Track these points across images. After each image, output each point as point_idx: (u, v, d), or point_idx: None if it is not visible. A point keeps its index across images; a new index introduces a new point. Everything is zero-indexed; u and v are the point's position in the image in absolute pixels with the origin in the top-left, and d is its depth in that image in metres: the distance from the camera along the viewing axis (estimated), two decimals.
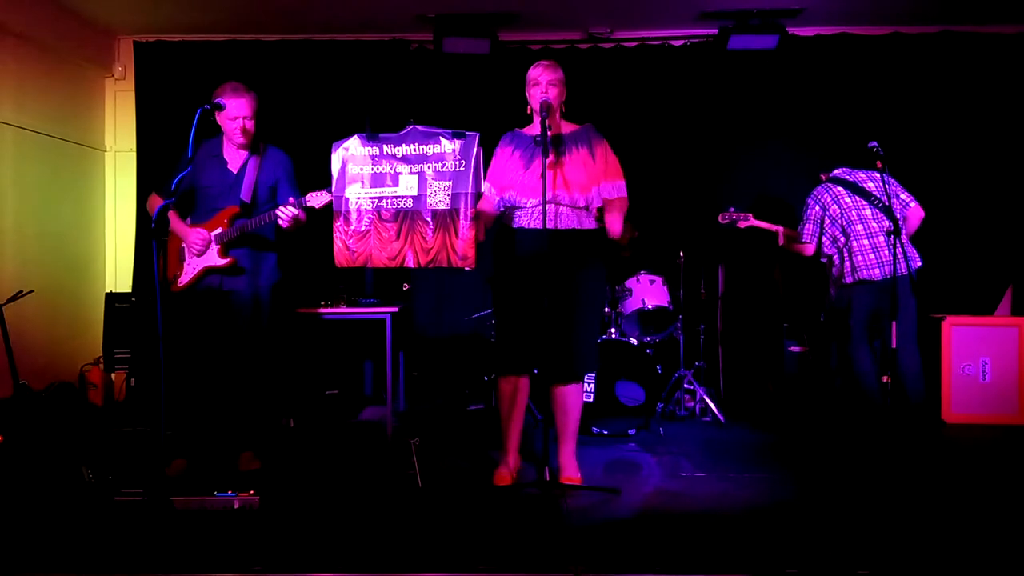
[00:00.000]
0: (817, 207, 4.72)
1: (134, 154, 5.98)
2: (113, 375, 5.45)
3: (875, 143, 4.30)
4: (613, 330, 4.88)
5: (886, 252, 4.48)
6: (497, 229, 3.65)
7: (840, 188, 4.68)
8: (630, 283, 5.01)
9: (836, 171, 4.80)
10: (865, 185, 4.66)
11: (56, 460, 3.87)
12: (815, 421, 4.95)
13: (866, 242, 4.56)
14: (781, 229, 4.87)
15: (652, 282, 5.03)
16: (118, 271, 6.09)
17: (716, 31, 5.61)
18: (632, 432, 4.66)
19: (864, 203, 4.61)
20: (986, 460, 4.17)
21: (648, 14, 5.61)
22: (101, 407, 5.38)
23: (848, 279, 4.57)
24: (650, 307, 4.92)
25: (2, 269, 4.99)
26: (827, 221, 4.68)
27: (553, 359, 3.46)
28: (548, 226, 3.35)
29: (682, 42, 5.89)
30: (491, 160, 3.64)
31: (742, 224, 4.86)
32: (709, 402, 5.13)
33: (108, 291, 5.61)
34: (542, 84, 3.47)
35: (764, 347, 5.66)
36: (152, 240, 3.12)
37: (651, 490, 3.60)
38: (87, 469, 3.44)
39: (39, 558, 2.70)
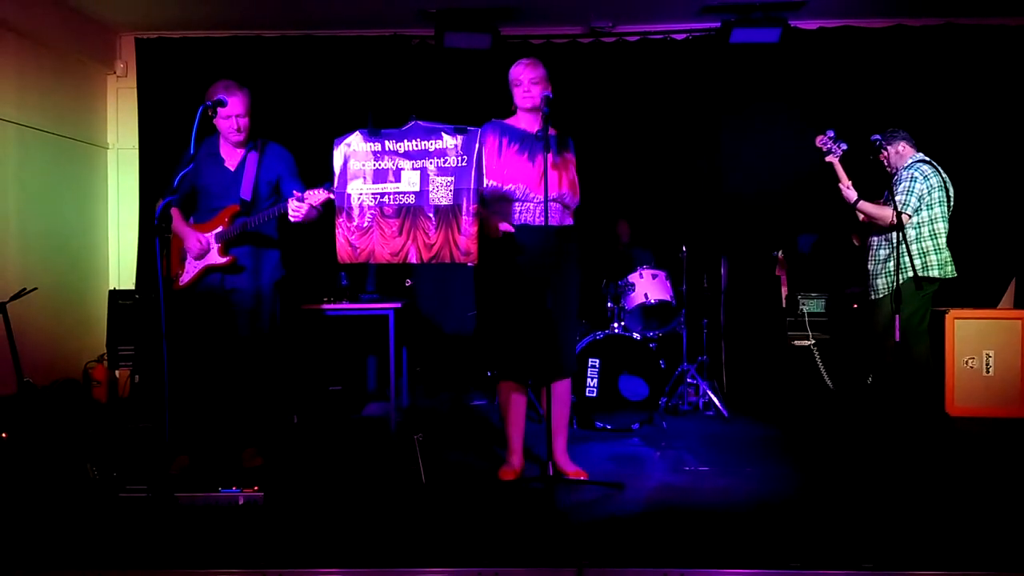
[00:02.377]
0: (926, 185, 4.23)
1: (136, 151, 5.99)
2: (117, 372, 5.46)
3: (878, 136, 4.29)
4: (616, 325, 4.87)
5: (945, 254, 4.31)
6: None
7: (943, 176, 4.35)
8: (632, 278, 5.01)
9: (919, 153, 4.39)
10: (949, 188, 4.37)
11: (60, 457, 3.88)
12: (819, 415, 4.94)
13: (944, 241, 4.30)
14: (848, 184, 4.29)
15: (655, 276, 5.03)
16: (121, 268, 6.10)
17: (718, 25, 5.60)
18: (635, 427, 4.66)
19: (947, 201, 4.33)
20: (990, 453, 4.16)
21: (650, 8, 5.59)
22: (105, 404, 5.39)
23: (934, 273, 4.23)
24: (653, 302, 4.92)
25: (5, 267, 5.00)
26: (924, 204, 4.24)
27: (551, 356, 3.47)
28: (551, 223, 3.41)
29: (684, 36, 5.87)
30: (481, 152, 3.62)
31: (830, 158, 4.26)
32: (712, 396, 5.13)
33: (111, 288, 5.62)
34: (524, 83, 3.49)
35: (767, 341, 5.65)
36: (155, 237, 3.13)
37: (655, 484, 3.60)
38: (91, 466, 3.45)
39: (44, 554, 2.71)
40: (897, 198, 4.18)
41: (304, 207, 3.55)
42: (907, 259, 4.19)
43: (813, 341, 5.24)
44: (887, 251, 4.27)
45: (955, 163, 5.55)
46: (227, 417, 3.83)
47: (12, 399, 4.52)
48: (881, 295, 4.30)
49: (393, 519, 3.09)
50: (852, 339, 5.15)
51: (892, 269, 4.19)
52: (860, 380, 4.98)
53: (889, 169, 4.43)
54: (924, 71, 5.66)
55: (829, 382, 5.23)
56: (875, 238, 4.38)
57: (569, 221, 3.60)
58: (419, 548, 2.77)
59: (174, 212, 3.74)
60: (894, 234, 4.13)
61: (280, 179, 3.83)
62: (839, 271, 5.43)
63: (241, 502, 3.14)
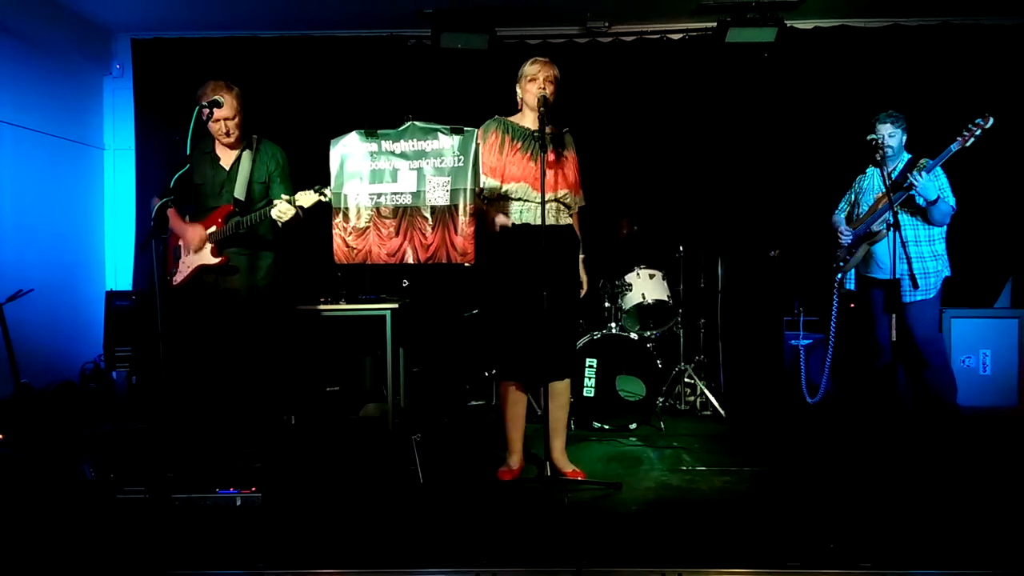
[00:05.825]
0: None
1: (133, 152, 5.98)
2: (114, 373, 5.45)
3: (874, 136, 4.28)
4: (613, 325, 4.88)
5: None
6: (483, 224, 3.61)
7: None
8: (630, 277, 5.01)
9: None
10: None
11: (57, 459, 3.87)
12: (817, 414, 4.94)
13: None
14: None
15: (652, 276, 5.03)
16: (118, 269, 6.09)
17: (715, 24, 5.60)
18: (633, 426, 4.67)
19: None
20: (988, 452, 4.16)
21: (646, 8, 5.60)
22: (102, 406, 5.38)
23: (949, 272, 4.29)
24: (650, 301, 4.92)
25: (2, 268, 4.99)
26: None
27: (552, 356, 3.46)
28: (549, 222, 3.44)
29: (680, 35, 5.88)
30: (483, 149, 3.59)
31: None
32: (709, 396, 5.13)
33: (108, 289, 5.61)
34: (539, 80, 3.47)
35: (764, 341, 5.65)
36: (152, 239, 3.12)
37: (652, 484, 3.60)
38: (89, 467, 3.44)
39: (41, 557, 2.70)
40: (948, 193, 4.20)
41: (292, 211, 3.55)
42: (946, 258, 4.24)
43: (809, 341, 5.24)
44: (930, 248, 4.20)
45: (952, 163, 5.55)
46: (225, 418, 3.82)
47: (9, 401, 4.51)
48: (932, 295, 4.17)
49: (391, 519, 3.09)
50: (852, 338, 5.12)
51: (939, 268, 4.19)
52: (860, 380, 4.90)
53: (886, 160, 4.20)
54: (920, 70, 5.66)
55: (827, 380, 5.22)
56: (914, 232, 4.19)
57: (569, 221, 3.62)
58: (417, 548, 2.77)
59: (171, 212, 3.74)
60: (937, 230, 4.18)
61: (270, 179, 3.82)
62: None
63: (239, 503, 3.14)
